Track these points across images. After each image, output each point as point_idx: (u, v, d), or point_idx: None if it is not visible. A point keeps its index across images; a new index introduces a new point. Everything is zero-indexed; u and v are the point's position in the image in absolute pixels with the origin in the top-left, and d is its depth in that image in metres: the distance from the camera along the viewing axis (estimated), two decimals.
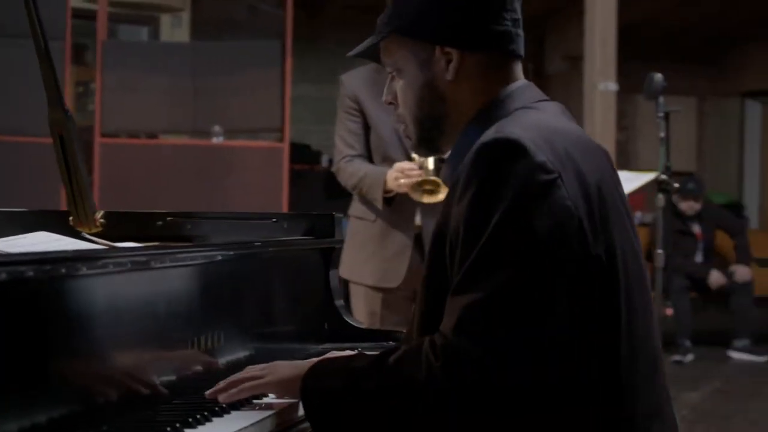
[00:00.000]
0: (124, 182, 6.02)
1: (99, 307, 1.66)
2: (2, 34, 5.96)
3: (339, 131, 4.12)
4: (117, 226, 2.48)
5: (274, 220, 2.58)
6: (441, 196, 3.69)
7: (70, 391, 1.59)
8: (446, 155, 1.90)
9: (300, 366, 1.79)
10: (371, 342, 2.43)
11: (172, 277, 1.91)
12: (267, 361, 1.93)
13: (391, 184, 3.86)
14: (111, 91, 6.01)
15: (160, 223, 2.61)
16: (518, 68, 1.85)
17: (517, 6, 1.84)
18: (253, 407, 1.84)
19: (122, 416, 1.70)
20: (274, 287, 2.41)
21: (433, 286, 1.72)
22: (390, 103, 1.93)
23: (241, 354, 2.14)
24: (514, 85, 1.82)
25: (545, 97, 1.83)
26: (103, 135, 6.15)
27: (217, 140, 6.37)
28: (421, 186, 3.73)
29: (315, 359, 1.82)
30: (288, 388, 1.79)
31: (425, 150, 1.94)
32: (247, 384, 1.83)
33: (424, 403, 1.59)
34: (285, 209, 6.29)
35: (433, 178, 3.67)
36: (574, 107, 5.27)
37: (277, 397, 1.87)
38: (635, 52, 9.03)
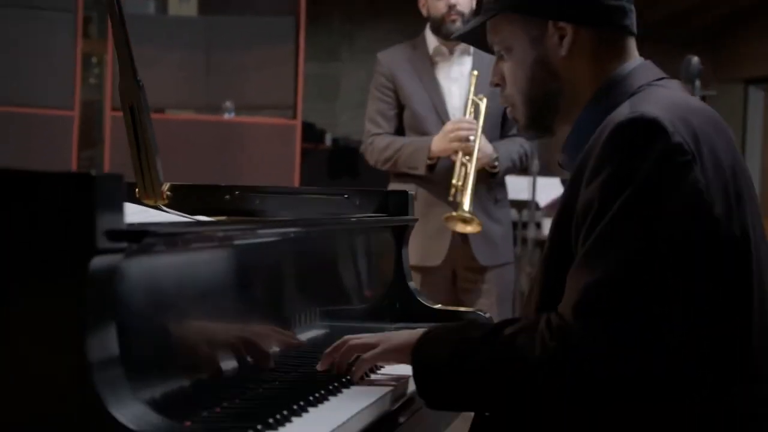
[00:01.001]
0: None
1: (188, 282, 1.60)
2: (12, 4, 5.87)
3: (369, 112, 4.14)
4: (184, 199, 2.44)
5: (346, 196, 2.52)
6: (471, 228, 3.74)
7: (188, 363, 1.54)
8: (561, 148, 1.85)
9: (412, 334, 1.75)
10: (444, 322, 2.37)
11: (254, 254, 1.84)
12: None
13: (440, 145, 3.83)
14: None
15: (227, 197, 2.56)
16: (633, 45, 1.80)
17: None
18: (367, 383, 1.83)
19: (240, 394, 1.65)
20: (349, 265, 2.36)
21: (553, 266, 1.67)
22: (497, 85, 1.88)
23: (320, 332, 2.09)
24: (632, 63, 1.78)
25: (665, 75, 1.77)
26: (114, 109, 6.07)
27: (228, 116, 6.30)
28: (454, 218, 3.76)
29: (425, 329, 1.77)
30: (401, 355, 1.75)
31: (535, 131, 1.87)
32: (367, 355, 1.80)
33: (535, 380, 1.54)
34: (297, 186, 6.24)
35: (467, 214, 3.71)
36: None
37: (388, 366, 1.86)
38: (636, 36, 8.96)
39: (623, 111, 1.62)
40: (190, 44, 6.39)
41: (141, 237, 1.27)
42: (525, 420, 1.63)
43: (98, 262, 1.21)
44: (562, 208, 1.67)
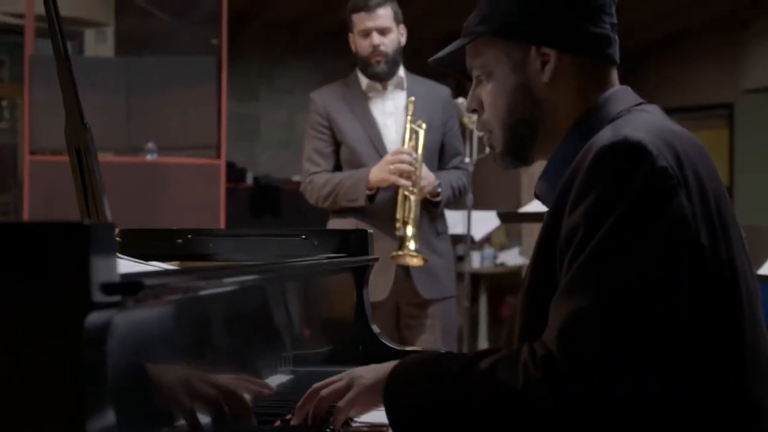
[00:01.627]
0: (54, 200, 5.79)
1: (161, 335, 1.49)
2: None
3: (306, 152, 4.11)
4: (133, 244, 2.37)
5: (304, 237, 2.45)
6: (417, 261, 3.73)
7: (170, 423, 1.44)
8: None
9: (382, 370, 1.68)
10: None
11: (222, 302, 1.74)
12: (309, 385, 1.82)
13: (379, 175, 3.81)
14: (39, 107, 5.80)
15: (179, 241, 2.46)
16: (615, 75, 1.77)
17: (614, 11, 1.75)
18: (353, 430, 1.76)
19: None
20: (312, 308, 2.29)
21: (535, 297, 1.61)
22: (474, 110, 1.82)
23: (286, 377, 2.01)
24: (611, 90, 1.73)
25: (643, 100, 1.74)
26: (32, 152, 5.93)
27: (151, 157, 6.20)
28: (402, 256, 3.77)
29: (395, 362, 1.70)
30: (374, 394, 1.68)
31: (512, 159, 1.81)
32: (341, 404, 1.72)
33: (521, 414, 1.48)
34: (222, 227, 6.14)
35: (412, 253, 3.70)
36: None
37: (360, 410, 1.76)
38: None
39: (606, 135, 1.57)
40: (108, 86, 6.28)
41: (138, 289, 1.18)
42: None
43: (94, 318, 1.12)
44: (543, 237, 1.61)
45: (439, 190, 3.93)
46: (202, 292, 1.62)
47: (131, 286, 1.17)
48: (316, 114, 4.07)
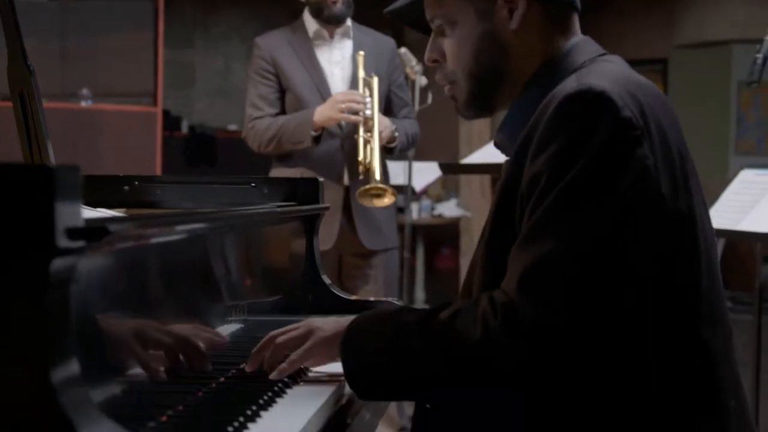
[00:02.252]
0: None
1: (116, 283, 1.44)
2: None
3: (250, 97, 4.03)
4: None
5: (253, 185, 2.41)
6: (387, 200, 3.67)
7: (127, 369, 1.41)
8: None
9: (340, 323, 1.66)
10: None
11: (174, 250, 1.70)
12: (261, 334, 1.81)
13: (326, 113, 3.76)
14: None
15: (126, 187, 2.41)
16: (577, 22, 1.75)
17: None
18: (310, 381, 1.75)
19: (182, 399, 1.53)
20: (262, 257, 2.26)
21: (495, 248, 1.59)
22: (435, 61, 1.78)
23: (237, 326, 1.98)
24: (574, 39, 1.72)
25: (606, 51, 1.72)
26: None
27: (86, 104, 6.09)
28: (368, 192, 3.68)
29: (353, 316, 1.68)
30: (331, 347, 1.66)
31: (476, 110, 1.78)
32: (296, 355, 1.70)
33: (480, 363, 1.47)
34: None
35: (380, 185, 3.64)
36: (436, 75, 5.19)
37: (317, 361, 1.75)
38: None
39: (570, 84, 1.55)
40: (42, 30, 6.15)
41: (102, 234, 1.14)
42: (470, 406, 1.57)
43: (59, 264, 1.08)
44: (504, 186, 1.59)
45: (396, 134, 3.90)
46: (154, 240, 1.58)
47: (96, 231, 1.13)
48: (261, 59, 4.00)
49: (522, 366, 1.45)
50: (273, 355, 1.73)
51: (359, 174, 3.74)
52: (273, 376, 1.69)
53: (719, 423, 1.56)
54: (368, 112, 3.76)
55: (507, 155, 1.71)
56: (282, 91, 3.98)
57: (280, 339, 1.74)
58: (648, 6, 11.56)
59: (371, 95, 3.83)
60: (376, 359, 1.57)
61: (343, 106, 3.74)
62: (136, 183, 2.41)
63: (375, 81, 3.85)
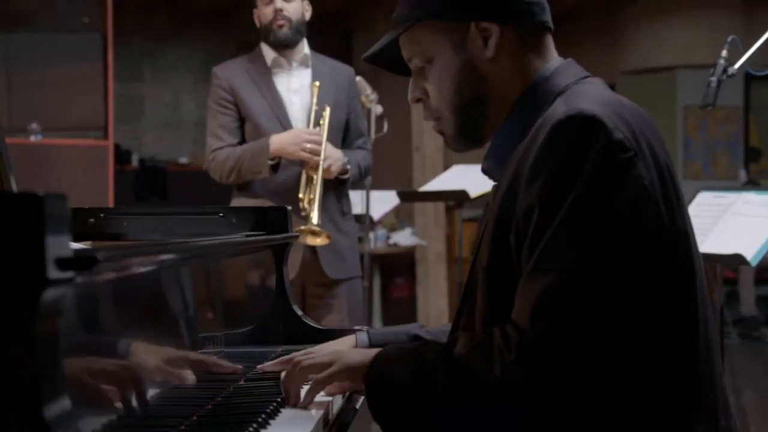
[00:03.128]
0: None
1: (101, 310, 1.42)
2: None
3: (210, 126, 4.00)
4: None
5: (221, 214, 2.38)
6: (319, 241, 3.68)
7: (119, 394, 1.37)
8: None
9: (366, 354, 1.67)
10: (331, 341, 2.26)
11: (148, 280, 1.65)
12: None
13: (288, 149, 3.75)
14: None
15: (91, 220, 2.37)
16: (551, 42, 1.75)
17: None
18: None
19: (178, 424, 1.50)
20: (233, 287, 2.23)
21: (497, 274, 1.59)
22: (419, 100, 1.78)
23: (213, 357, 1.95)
24: (554, 62, 1.72)
25: (588, 73, 1.72)
26: None
27: (35, 138, 6.01)
28: (305, 231, 3.70)
29: (378, 349, 1.69)
30: (355, 376, 1.67)
31: (466, 141, 1.77)
32: (321, 376, 1.71)
33: (498, 398, 1.47)
34: None
35: (316, 227, 3.66)
36: (390, 103, 5.21)
37: (336, 388, 1.76)
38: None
39: (559, 109, 1.55)
40: None
41: (92, 264, 1.11)
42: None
43: (50, 294, 1.05)
44: (498, 216, 1.59)
45: (348, 167, 3.89)
46: (134, 271, 1.55)
47: (86, 260, 1.10)
48: (220, 89, 3.96)
49: (539, 394, 1.46)
50: (298, 378, 1.74)
51: (300, 210, 3.73)
52: (294, 402, 1.72)
53: None
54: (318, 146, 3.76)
55: (495, 181, 1.72)
56: (242, 120, 3.95)
57: (305, 362, 1.74)
58: (594, 32, 11.72)
59: (322, 128, 3.83)
60: (400, 392, 1.57)
61: (308, 146, 3.73)
62: (102, 215, 2.36)
63: (327, 112, 3.84)
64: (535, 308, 1.45)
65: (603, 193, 1.46)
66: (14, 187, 2.08)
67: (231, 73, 3.98)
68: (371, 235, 7.06)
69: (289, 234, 2.39)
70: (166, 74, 10.94)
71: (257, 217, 2.40)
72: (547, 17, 1.73)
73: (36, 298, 1.04)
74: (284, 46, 3.94)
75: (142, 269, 1.57)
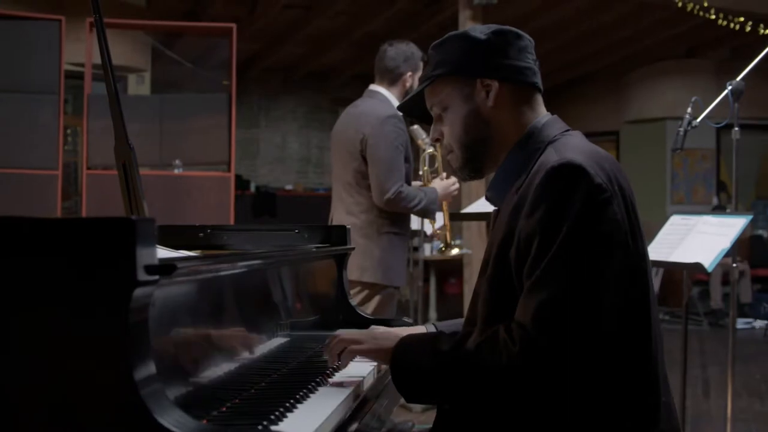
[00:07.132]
0: (106, 206, 5.76)
1: (192, 305, 1.45)
2: (9, 90, 5.74)
3: (397, 164, 3.58)
4: (167, 238, 2.31)
5: (297, 231, 2.41)
6: (456, 251, 3.86)
7: (199, 371, 1.40)
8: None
9: (392, 339, 1.66)
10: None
11: (237, 280, 1.69)
12: (301, 347, 1.80)
13: (443, 198, 3.73)
14: (95, 133, 5.79)
15: (201, 234, 2.42)
16: (540, 99, 1.75)
17: (533, 51, 1.75)
18: (334, 384, 1.72)
19: (238, 394, 1.52)
20: (304, 286, 2.25)
21: (497, 283, 1.58)
22: (437, 140, 1.79)
23: (284, 340, 1.97)
24: (544, 116, 1.72)
25: (569, 127, 1.72)
26: (89, 168, 5.87)
27: (177, 171, 6.14)
28: (446, 247, 3.77)
29: (401, 332, 1.70)
30: (382, 356, 1.67)
31: (468, 171, 1.77)
32: (353, 347, 1.72)
33: (504, 382, 1.47)
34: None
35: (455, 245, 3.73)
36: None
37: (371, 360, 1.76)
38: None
39: (551, 157, 1.55)
40: (146, 117, 6.24)
41: (171, 270, 1.15)
42: (487, 411, 1.56)
43: (139, 293, 1.09)
44: (504, 234, 1.58)
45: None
46: (220, 273, 1.59)
47: (167, 267, 1.15)
48: (404, 132, 3.65)
49: (537, 380, 1.45)
50: (335, 346, 1.75)
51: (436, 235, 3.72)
52: (331, 363, 1.75)
53: (659, 414, 1.56)
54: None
55: (495, 206, 1.74)
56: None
57: (343, 335, 1.76)
58: (603, 91, 11.61)
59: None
60: (418, 375, 1.58)
61: (452, 190, 3.72)
62: (209, 231, 2.41)
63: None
64: (536, 314, 1.45)
65: (587, 226, 1.46)
66: (146, 209, 2.12)
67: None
68: (428, 245, 7.07)
69: (347, 246, 2.41)
70: (277, 122, 11.06)
71: (324, 233, 2.42)
72: (537, 80, 1.73)
73: (129, 295, 1.08)
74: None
75: (227, 272, 1.61)
